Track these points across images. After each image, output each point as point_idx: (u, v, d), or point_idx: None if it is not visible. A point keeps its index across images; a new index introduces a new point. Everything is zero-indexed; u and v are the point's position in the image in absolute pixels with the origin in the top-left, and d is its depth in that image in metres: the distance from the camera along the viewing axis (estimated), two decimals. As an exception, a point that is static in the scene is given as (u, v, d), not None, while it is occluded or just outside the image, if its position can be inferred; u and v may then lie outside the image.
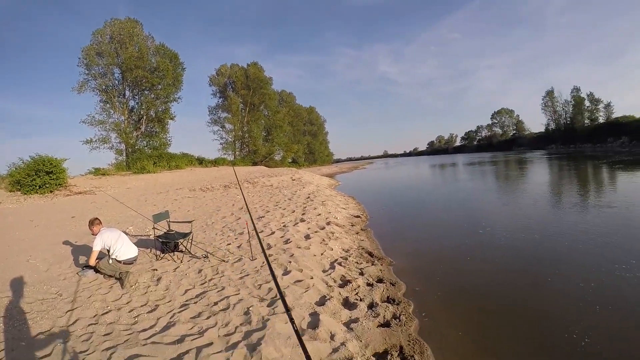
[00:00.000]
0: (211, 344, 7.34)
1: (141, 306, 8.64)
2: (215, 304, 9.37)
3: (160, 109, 61.31)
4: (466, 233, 17.84)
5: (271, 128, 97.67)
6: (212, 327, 8.09)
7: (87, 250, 9.58)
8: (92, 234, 9.99)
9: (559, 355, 7.82)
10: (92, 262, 9.75)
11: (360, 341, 8.02)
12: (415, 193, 34.89)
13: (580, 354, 7.77)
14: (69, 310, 8.18)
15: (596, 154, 43.00)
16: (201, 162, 63.99)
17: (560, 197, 26.13)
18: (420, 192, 35.08)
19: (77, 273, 10.41)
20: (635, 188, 26.09)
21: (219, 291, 10.18)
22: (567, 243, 14.78)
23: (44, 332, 7.24)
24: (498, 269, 12.87)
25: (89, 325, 7.57)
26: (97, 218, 10.20)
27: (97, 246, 9.62)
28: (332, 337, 8.02)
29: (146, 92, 58.92)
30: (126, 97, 58.80)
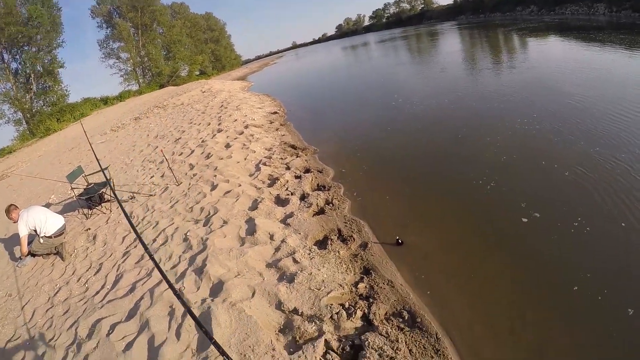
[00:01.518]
0: (161, 281, 7.46)
1: (86, 271, 8.57)
2: (154, 240, 9.38)
3: (46, 61, 55.37)
4: (382, 107, 18.48)
5: (170, 45, 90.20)
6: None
7: (17, 240, 9.02)
8: (14, 222, 9.33)
9: (476, 197, 8.98)
10: (24, 249, 9.28)
11: (299, 234, 8.44)
12: (328, 78, 34.62)
13: (488, 194, 8.98)
14: (24, 306, 7.83)
15: (505, 22, 44.14)
16: (106, 102, 59.18)
17: (469, 63, 27.07)
18: (333, 77, 34.82)
19: (16, 266, 9.75)
20: (538, 50, 27.46)
21: (154, 227, 10.13)
22: (474, 104, 15.76)
23: (11, 339, 6.96)
24: (414, 137, 13.67)
25: (46, 311, 7.41)
26: (11, 205, 9.41)
27: (22, 232, 9.09)
28: (271, 237, 8.38)
29: (26, 48, 53.09)
30: (5, 60, 51.98)
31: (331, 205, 9.67)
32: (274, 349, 5.47)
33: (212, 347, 5.50)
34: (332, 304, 6.18)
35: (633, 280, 6.07)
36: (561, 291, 6.18)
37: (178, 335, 5.97)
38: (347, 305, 6.16)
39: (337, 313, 5.98)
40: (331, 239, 8.10)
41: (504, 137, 11.92)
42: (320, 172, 12.09)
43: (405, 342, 5.52)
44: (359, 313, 6.02)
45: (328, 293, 6.42)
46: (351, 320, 5.93)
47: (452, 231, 8.13)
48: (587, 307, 5.83)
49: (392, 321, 5.95)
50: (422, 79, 23.54)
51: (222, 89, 39.51)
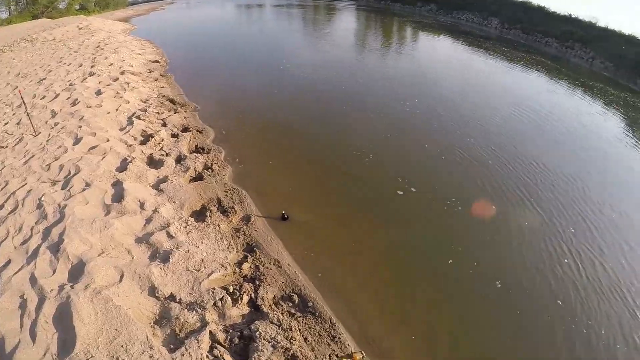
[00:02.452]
0: (9, 261, 6.04)
1: None
2: (1, 206, 7.55)
3: None
4: (270, 70, 17.74)
5: (48, -31, 74.40)
6: (4, 238, 6.57)
7: None
8: None
9: (355, 170, 9.13)
10: None
11: (174, 202, 7.60)
12: (218, 34, 32.31)
13: (367, 166, 9.28)
14: None
15: (403, 13, 45.54)
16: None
17: (361, 42, 27.46)
18: (223, 33, 32.59)
19: None
20: (428, 44, 29.37)
21: (2, 188, 8.19)
22: (362, 81, 16.01)
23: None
24: (301, 104, 13.39)
25: None
26: None
27: None
28: (142, 205, 7.40)
29: None
30: None
31: (210, 170, 8.89)
32: (151, 347, 4.79)
33: (77, 349, 4.61)
34: (214, 288, 5.66)
35: (501, 259, 6.96)
36: (439, 265, 6.73)
37: (33, 336, 4.86)
38: (231, 289, 5.69)
39: (221, 299, 5.49)
40: (210, 210, 7.44)
41: (388, 116, 12.32)
42: (200, 132, 11.10)
43: (299, 330, 5.31)
44: (246, 298, 5.62)
45: (209, 275, 5.87)
46: (237, 307, 5.51)
47: (337, 205, 8.15)
48: (462, 279, 6.49)
49: (283, 306, 5.68)
50: (314, 50, 22.98)
51: (101, 28, 34.13)
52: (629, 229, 8.04)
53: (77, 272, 5.81)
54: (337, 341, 5.32)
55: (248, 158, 9.61)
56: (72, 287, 5.45)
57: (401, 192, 8.45)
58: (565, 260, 6.97)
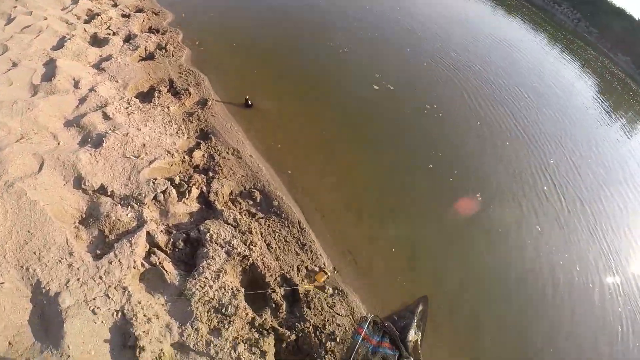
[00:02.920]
0: None
1: None
2: None
3: None
4: None
5: None
6: None
7: None
8: None
9: (329, 60, 8.10)
10: None
11: (116, 81, 6.22)
12: None
13: (342, 59, 8.25)
14: None
15: None
16: None
17: None
18: None
19: None
20: None
21: None
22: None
23: None
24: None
25: None
26: None
27: None
28: (76, 84, 6.00)
29: None
30: None
31: (164, 51, 7.35)
32: (71, 253, 3.80)
33: None
34: (156, 179, 4.53)
35: (482, 171, 6.55)
36: (419, 169, 6.17)
37: None
38: (177, 180, 4.58)
39: (163, 192, 4.40)
40: (159, 91, 6.08)
41: (367, 18, 10.79)
42: (156, 14, 9.21)
43: (261, 234, 4.32)
44: (195, 192, 4.53)
45: (151, 163, 4.71)
46: (184, 203, 4.44)
47: (307, 95, 7.03)
48: (443, 188, 6.00)
49: (241, 204, 4.65)
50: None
51: None
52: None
53: (-12, 162, 4.55)
54: (307, 250, 4.43)
55: (209, 41, 8.06)
56: (-21, 181, 4.22)
57: (377, 87, 7.47)
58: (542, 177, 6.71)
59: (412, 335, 4.14)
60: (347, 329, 4.01)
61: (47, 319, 3.53)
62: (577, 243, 5.74)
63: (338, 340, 3.78)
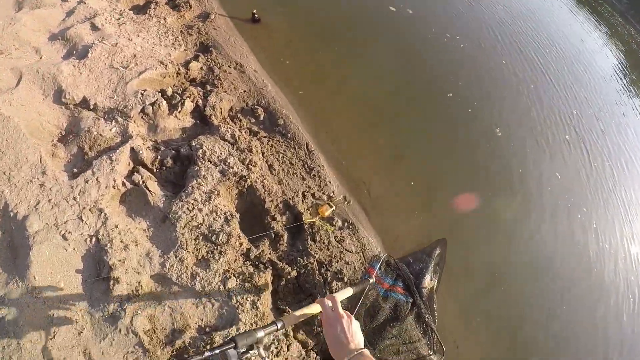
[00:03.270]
0: None
1: None
2: None
3: None
4: None
5: None
6: None
7: None
8: None
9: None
10: None
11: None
12: None
13: None
14: None
15: None
16: None
17: None
18: None
19: None
20: None
21: None
22: None
23: None
24: None
25: None
26: None
27: None
28: (64, -4, 5.24)
29: None
30: None
31: None
32: (44, 172, 3.23)
33: None
34: (145, 90, 3.85)
35: (501, 105, 5.65)
36: (437, 97, 5.38)
37: None
38: (169, 92, 3.88)
39: (153, 104, 3.73)
40: (156, 2, 5.25)
41: None
42: None
43: (263, 154, 3.64)
44: (189, 105, 3.84)
45: (141, 73, 4.02)
46: (176, 117, 3.77)
47: (320, 10, 6.09)
48: (461, 117, 5.21)
49: (242, 121, 3.95)
50: None
51: None
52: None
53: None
54: (314, 176, 3.74)
55: None
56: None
57: (394, 9, 6.44)
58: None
59: (428, 281, 3.51)
60: (356, 267, 3.35)
61: (15, 247, 3.00)
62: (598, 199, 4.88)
63: (346, 279, 3.17)
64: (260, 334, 1.79)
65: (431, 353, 3.17)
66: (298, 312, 1.98)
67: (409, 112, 5.01)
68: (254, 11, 5.38)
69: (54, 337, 2.61)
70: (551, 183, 4.82)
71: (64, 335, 2.63)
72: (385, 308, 3.22)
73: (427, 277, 3.52)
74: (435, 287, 3.59)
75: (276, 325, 1.84)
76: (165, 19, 4.94)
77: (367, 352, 1.39)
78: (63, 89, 3.85)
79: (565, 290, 4.07)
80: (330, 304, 1.70)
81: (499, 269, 4.09)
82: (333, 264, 3.24)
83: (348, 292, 2.71)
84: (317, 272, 3.13)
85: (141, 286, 2.79)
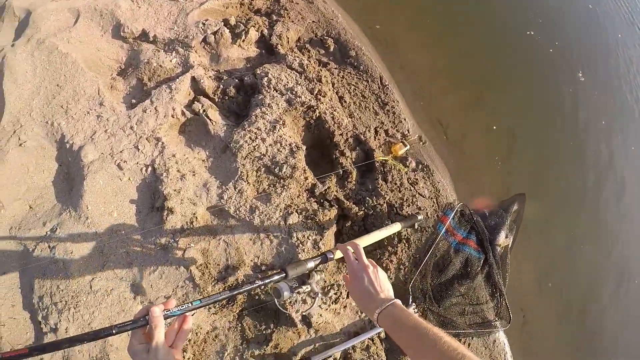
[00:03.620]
0: None
1: None
2: None
3: None
4: None
5: None
6: None
7: None
8: None
9: None
10: None
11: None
12: None
13: None
14: None
15: None
16: None
17: None
18: None
19: None
20: None
21: None
22: None
23: None
24: None
25: None
26: None
27: None
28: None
29: None
30: None
31: None
32: (101, 104, 3.03)
33: (4, 121, 3.01)
34: (206, 20, 3.53)
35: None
36: (517, 36, 4.67)
37: None
38: (233, 21, 3.53)
39: (214, 33, 3.39)
40: None
41: None
42: None
43: (333, 85, 3.21)
44: (254, 34, 3.47)
45: (202, 4, 3.69)
46: (240, 46, 3.41)
47: None
48: (541, 58, 4.53)
49: (310, 52, 3.54)
50: None
51: None
52: None
53: (23, 27, 3.88)
54: (388, 111, 3.29)
55: None
56: (12, 45, 3.55)
57: None
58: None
59: (503, 238, 3.11)
60: (428, 214, 2.92)
61: (71, 178, 2.83)
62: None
63: (416, 226, 2.78)
64: (311, 264, 1.69)
65: (497, 319, 2.89)
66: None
67: (489, 51, 4.44)
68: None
69: (103, 269, 2.37)
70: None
71: (114, 265, 2.38)
72: (456, 262, 2.90)
73: (503, 234, 3.14)
74: (510, 245, 3.21)
75: (326, 256, 1.72)
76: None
77: (399, 302, 1.29)
78: (122, 24, 3.62)
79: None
80: (352, 252, 1.52)
81: (580, 232, 3.57)
82: (404, 207, 2.80)
83: (395, 227, 2.50)
84: (386, 214, 2.71)
85: (196, 218, 2.48)
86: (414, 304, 2.67)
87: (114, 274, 2.38)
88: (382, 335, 2.55)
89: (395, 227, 2.52)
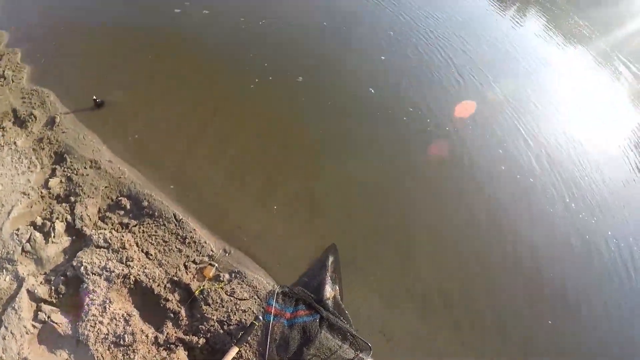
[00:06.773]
0: None
1: None
2: None
3: None
4: None
5: None
6: None
7: None
8: None
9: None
10: None
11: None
12: None
13: None
14: None
15: None
16: None
17: None
18: None
19: None
20: None
21: None
22: None
23: None
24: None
25: None
26: None
27: None
28: None
29: None
30: None
31: (3, 79, 6.32)
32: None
33: None
34: (18, 229, 4.22)
35: None
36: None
37: None
38: (39, 221, 4.27)
39: (29, 240, 4.12)
40: (3, 128, 5.40)
41: None
42: None
43: (137, 244, 4.10)
44: (60, 226, 4.26)
45: (9, 213, 4.38)
46: (53, 243, 4.20)
47: (158, 71, 6.43)
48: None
49: (112, 219, 4.38)
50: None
51: None
52: None
53: None
54: (189, 243, 4.24)
55: (54, 50, 6.89)
56: None
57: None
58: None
59: (329, 291, 3.86)
60: (254, 311, 3.81)
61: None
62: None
63: (256, 327, 3.57)
64: None
65: (358, 353, 3.39)
66: None
67: (259, 154, 5.43)
68: (94, 97, 5.58)
69: None
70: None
71: None
72: (295, 336, 3.46)
73: (327, 288, 3.83)
74: (338, 293, 3.91)
75: None
76: (15, 143, 5.15)
77: None
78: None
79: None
80: None
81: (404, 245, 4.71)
82: (232, 317, 3.75)
83: (234, 351, 3.19)
84: (221, 330, 3.64)
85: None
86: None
87: None
88: None
89: (234, 351, 3.15)
